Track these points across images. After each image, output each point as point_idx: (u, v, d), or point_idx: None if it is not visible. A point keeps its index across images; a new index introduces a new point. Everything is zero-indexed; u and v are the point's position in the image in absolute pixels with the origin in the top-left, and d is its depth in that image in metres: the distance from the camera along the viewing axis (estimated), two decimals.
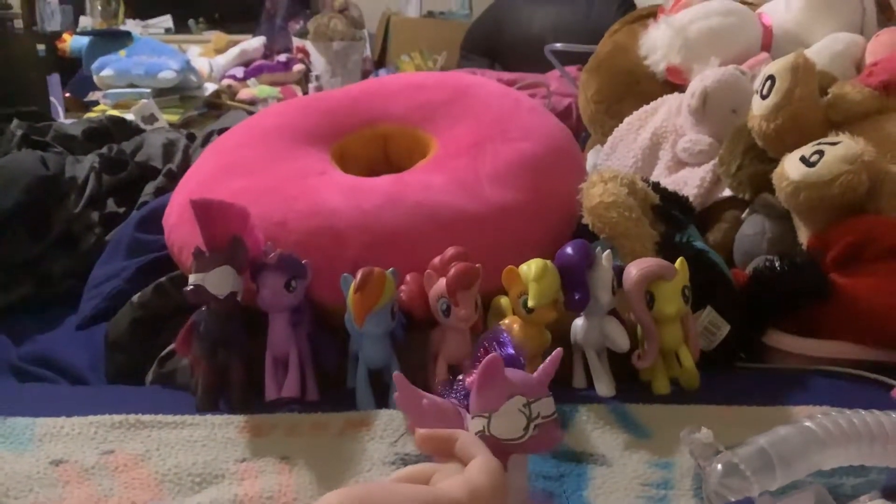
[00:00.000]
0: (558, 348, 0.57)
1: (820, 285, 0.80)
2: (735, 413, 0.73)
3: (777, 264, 0.83)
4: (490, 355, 0.52)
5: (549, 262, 0.74)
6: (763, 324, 0.84)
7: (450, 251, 0.75)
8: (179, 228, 0.87)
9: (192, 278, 0.74)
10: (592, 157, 1.27)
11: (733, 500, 0.45)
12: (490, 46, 2.83)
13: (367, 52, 3.10)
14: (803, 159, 0.82)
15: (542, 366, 0.55)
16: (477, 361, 0.56)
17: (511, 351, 0.57)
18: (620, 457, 0.67)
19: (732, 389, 0.77)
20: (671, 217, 0.90)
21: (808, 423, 0.47)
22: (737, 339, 0.82)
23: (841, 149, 0.81)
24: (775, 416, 0.73)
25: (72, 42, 2.98)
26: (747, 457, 0.46)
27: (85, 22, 3.45)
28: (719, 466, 0.46)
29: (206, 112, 2.42)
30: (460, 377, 0.59)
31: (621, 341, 0.75)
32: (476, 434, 0.52)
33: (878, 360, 0.79)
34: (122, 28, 3.24)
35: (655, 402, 0.74)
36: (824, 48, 1.11)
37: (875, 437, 0.46)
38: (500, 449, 0.51)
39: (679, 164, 1.12)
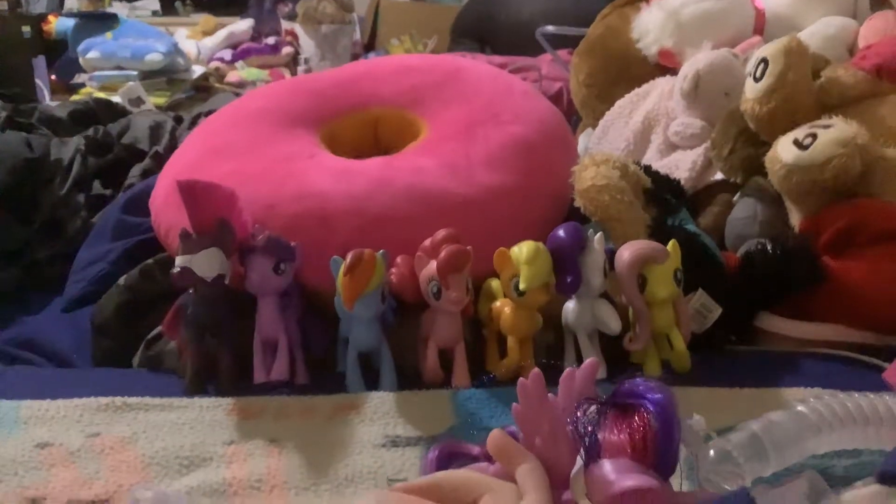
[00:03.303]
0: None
1: (812, 269, 0.80)
2: (726, 395, 0.73)
3: (769, 248, 0.83)
4: (650, 487, 0.40)
5: (541, 244, 0.74)
6: (755, 307, 0.84)
7: (440, 233, 0.75)
8: (166, 210, 0.86)
9: (178, 260, 0.73)
10: (584, 141, 1.26)
11: (727, 486, 0.45)
12: (480, 30, 2.81)
13: (357, 36, 3.08)
14: (796, 142, 0.82)
15: (688, 496, 0.44)
16: (624, 414, 0.44)
17: (663, 424, 0.42)
18: None
19: (724, 372, 0.77)
20: (663, 200, 0.89)
21: (800, 408, 0.47)
22: (728, 322, 0.82)
23: (834, 132, 0.80)
24: (767, 398, 0.72)
25: (57, 24, 2.94)
26: (740, 443, 0.46)
27: (70, 4, 3.40)
28: (711, 453, 0.46)
29: (193, 95, 2.39)
30: (594, 412, 0.45)
31: (613, 324, 0.75)
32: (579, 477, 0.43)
33: (870, 343, 0.79)
34: (109, 10, 3.21)
35: None
36: (817, 31, 1.11)
37: (869, 420, 0.46)
38: None
39: (671, 147, 1.11)
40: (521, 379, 0.45)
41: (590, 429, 0.41)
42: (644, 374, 0.77)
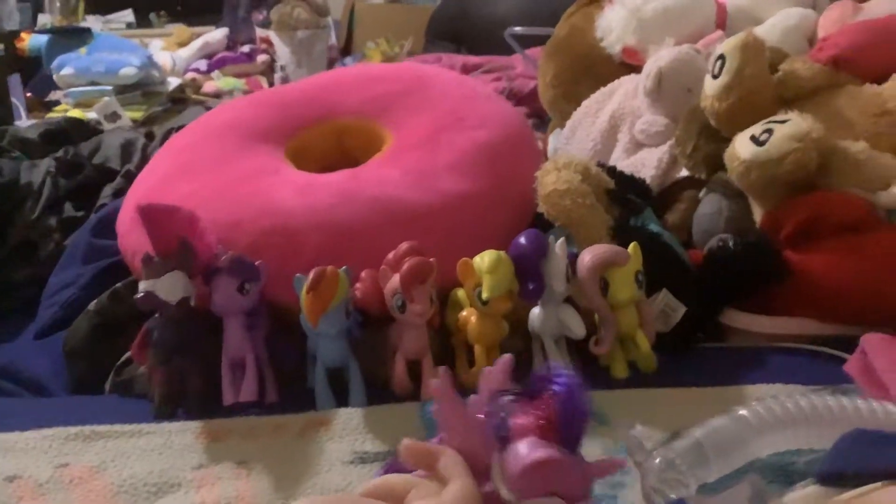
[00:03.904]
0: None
1: (773, 263, 0.81)
2: (692, 394, 0.74)
3: (730, 244, 0.83)
4: (547, 454, 0.42)
5: (502, 252, 0.74)
6: (719, 303, 0.85)
7: (403, 246, 0.75)
8: (131, 234, 0.86)
9: (142, 285, 0.73)
10: (553, 141, 1.27)
11: (672, 495, 0.45)
12: (455, 31, 2.81)
13: (333, 40, 3.07)
14: (753, 138, 0.83)
15: (597, 465, 0.47)
16: (532, 400, 0.46)
17: (571, 405, 0.45)
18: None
19: (691, 370, 0.78)
20: (626, 201, 0.90)
21: (742, 412, 0.48)
22: (694, 320, 0.83)
23: (790, 126, 0.81)
24: (732, 395, 0.73)
25: (30, 41, 2.93)
26: (682, 451, 0.46)
27: (44, 19, 3.39)
28: (657, 462, 0.46)
29: (170, 107, 2.39)
30: (505, 404, 0.47)
31: (577, 329, 0.75)
32: (493, 493, 0.45)
33: (834, 335, 0.80)
34: (83, 24, 3.19)
35: (614, 388, 0.75)
36: (777, 23, 1.11)
37: (810, 420, 0.46)
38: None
39: (637, 145, 1.12)
40: (433, 381, 0.46)
41: (501, 415, 0.44)
42: (611, 375, 0.78)
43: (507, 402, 0.45)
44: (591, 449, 0.65)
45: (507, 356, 0.50)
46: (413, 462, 0.45)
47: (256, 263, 0.76)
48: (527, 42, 1.67)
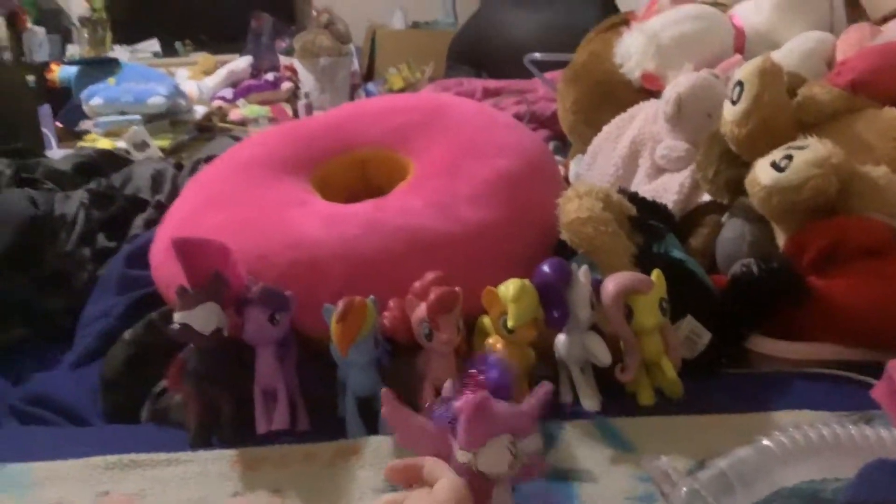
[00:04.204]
0: (545, 382, 0.59)
1: (796, 288, 0.82)
2: (719, 421, 0.74)
3: (753, 269, 0.84)
4: (479, 396, 0.52)
5: (526, 281, 0.76)
6: (745, 329, 0.85)
7: (429, 276, 0.77)
8: (164, 266, 0.88)
9: (176, 317, 0.75)
10: (575, 167, 1.29)
11: None
12: (475, 55, 2.84)
13: (355, 67, 3.12)
14: (773, 164, 0.84)
15: (531, 400, 0.55)
16: (465, 387, 0.57)
17: (497, 375, 0.58)
18: (606, 472, 0.68)
19: (716, 397, 0.79)
20: (649, 227, 0.91)
21: (766, 442, 0.48)
22: (719, 346, 0.83)
23: (809, 153, 0.82)
24: (759, 422, 0.74)
25: (60, 72, 3.00)
26: (707, 481, 0.47)
27: (72, 51, 3.47)
28: (683, 492, 0.47)
29: (197, 136, 2.43)
30: (448, 397, 0.59)
31: (603, 356, 0.76)
32: (461, 464, 0.53)
33: (859, 360, 0.80)
34: (110, 55, 3.27)
35: (640, 415, 0.76)
36: (795, 48, 1.12)
37: (834, 450, 0.47)
38: (484, 481, 0.53)
39: (658, 170, 1.13)
40: (383, 390, 0.55)
41: (447, 404, 0.54)
42: (638, 402, 0.79)
43: (450, 394, 0.55)
44: (617, 477, 0.67)
45: (547, 385, 0.57)
46: (401, 480, 0.50)
47: (286, 294, 0.78)
48: (546, 66, 1.69)
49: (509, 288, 0.75)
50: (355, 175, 1.02)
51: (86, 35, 3.45)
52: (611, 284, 0.76)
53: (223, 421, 0.76)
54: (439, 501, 0.47)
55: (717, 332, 0.82)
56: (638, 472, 0.67)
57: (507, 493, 0.58)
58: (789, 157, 0.83)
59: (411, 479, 0.49)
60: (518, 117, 1.87)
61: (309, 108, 2.74)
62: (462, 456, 0.53)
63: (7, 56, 3.31)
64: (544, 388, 0.57)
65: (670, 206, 1.06)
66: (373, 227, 0.86)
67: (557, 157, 1.56)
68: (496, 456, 0.52)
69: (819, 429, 0.47)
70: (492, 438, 0.52)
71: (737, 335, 0.85)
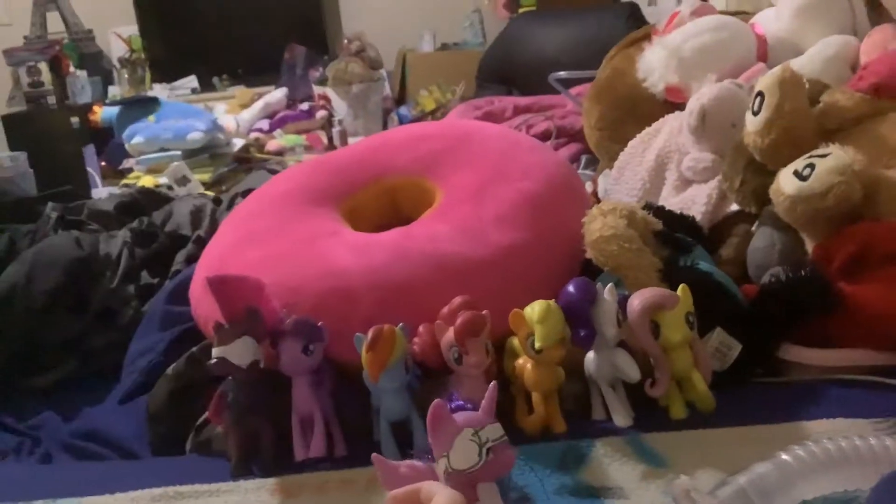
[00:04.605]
0: (493, 382, 0.64)
1: (825, 295, 0.81)
2: (752, 433, 0.74)
3: (782, 277, 0.84)
4: (434, 402, 0.59)
5: (551, 302, 0.77)
6: (776, 338, 0.85)
7: (457, 300, 0.78)
8: (203, 302, 0.91)
9: (214, 351, 0.78)
10: (603, 182, 1.29)
11: None
12: (505, 73, 2.86)
13: (387, 91, 3.17)
14: (796, 173, 0.84)
15: (484, 401, 0.61)
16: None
17: (459, 402, 0.64)
18: (637, 488, 0.68)
19: (749, 408, 0.78)
20: (675, 241, 0.92)
21: (784, 457, 0.49)
22: (750, 356, 0.83)
23: (831, 160, 0.82)
24: (793, 432, 0.73)
25: (102, 113, 3.10)
26: (727, 498, 0.48)
27: (114, 91, 3.58)
28: None
29: (236, 167, 2.49)
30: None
31: (632, 372, 0.77)
32: (443, 473, 0.58)
33: (893, 364, 0.80)
34: (150, 93, 3.36)
35: (671, 430, 0.76)
36: (817, 54, 1.12)
37: (853, 462, 0.47)
38: (466, 481, 0.57)
39: (685, 182, 1.13)
40: (373, 455, 0.61)
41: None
42: (671, 416, 0.79)
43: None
44: (648, 493, 0.67)
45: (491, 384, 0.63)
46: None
47: (319, 325, 0.80)
48: (574, 81, 1.70)
49: (535, 309, 0.76)
50: (384, 204, 1.04)
51: (126, 76, 3.56)
52: (636, 302, 0.77)
53: (263, 450, 0.79)
54: None
55: (747, 342, 0.82)
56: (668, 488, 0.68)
57: (492, 491, 0.60)
58: (811, 166, 0.83)
59: (411, 502, 0.54)
60: (549, 134, 1.89)
61: (343, 135, 2.79)
62: (440, 465, 0.58)
63: (51, 100, 3.44)
64: (491, 388, 0.62)
65: (699, 217, 1.06)
66: (401, 254, 0.88)
67: (588, 172, 1.56)
68: (464, 450, 0.57)
69: (838, 441, 0.47)
70: (456, 437, 0.58)
71: (768, 345, 0.85)
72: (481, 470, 0.58)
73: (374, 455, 0.60)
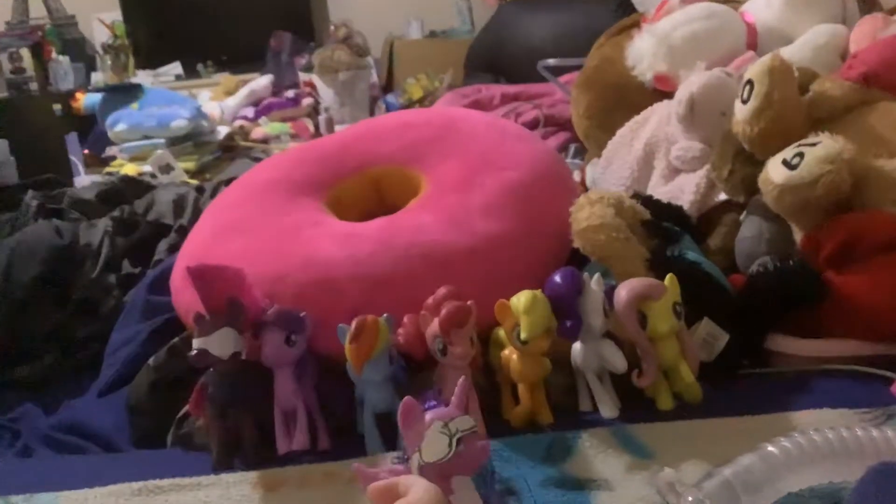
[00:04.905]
0: (463, 376, 0.64)
1: (813, 286, 0.81)
2: (739, 424, 0.74)
3: (770, 267, 0.83)
4: (404, 400, 0.59)
5: (538, 292, 0.76)
6: (763, 328, 0.85)
7: (441, 291, 0.77)
8: (184, 293, 0.90)
9: (195, 343, 0.76)
10: (591, 171, 1.28)
11: None
12: (493, 61, 2.85)
13: (374, 79, 3.14)
14: (785, 162, 0.83)
15: (454, 395, 0.61)
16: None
17: (433, 402, 0.63)
18: (623, 480, 0.68)
19: (737, 398, 0.78)
20: (663, 230, 0.91)
21: (770, 448, 0.48)
22: (738, 347, 0.83)
23: (820, 149, 0.81)
24: (780, 423, 0.73)
25: (85, 100, 3.05)
26: (713, 491, 0.47)
27: (97, 78, 3.53)
28: (688, 502, 0.47)
29: (220, 155, 2.46)
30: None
31: (618, 363, 0.76)
32: (417, 469, 0.58)
33: (880, 354, 0.79)
34: (134, 80, 3.32)
35: (658, 421, 0.75)
36: (807, 42, 1.11)
37: (839, 454, 0.47)
38: (440, 473, 0.57)
39: (674, 171, 1.12)
40: (354, 465, 0.60)
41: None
42: (658, 407, 0.78)
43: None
44: (634, 484, 0.66)
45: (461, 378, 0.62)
46: (383, 501, 0.54)
47: (301, 315, 0.79)
48: (563, 69, 1.69)
49: (521, 300, 0.75)
50: (369, 193, 1.03)
51: (109, 62, 3.51)
52: (623, 292, 0.76)
53: (245, 443, 0.78)
54: (410, 501, 0.52)
55: (735, 332, 0.82)
56: None
57: (467, 485, 0.60)
58: (801, 155, 0.82)
59: (392, 498, 0.54)
60: (537, 122, 1.88)
61: (329, 123, 2.76)
62: (414, 461, 0.59)
63: (33, 86, 3.39)
64: (463, 380, 0.62)
65: (687, 206, 1.05)
66: (386, 244, 0.86)
67: (577, 161, 1.55)
68: (435, 442, 0.58)
69: (825, 433, 0.47)
70: (427, 430, 0.58)
71: (755, 335, 0.84)
72: (453, 461, 0.58)
73: (354, 465, 0.60)
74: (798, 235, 0.90)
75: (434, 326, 0.75)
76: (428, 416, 0.59)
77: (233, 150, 2.54)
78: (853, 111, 0.92)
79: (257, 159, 2.03)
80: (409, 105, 3.00)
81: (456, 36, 3.61)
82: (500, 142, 0.99)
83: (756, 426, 0.72)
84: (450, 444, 0.57)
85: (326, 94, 2.93)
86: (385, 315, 0.76)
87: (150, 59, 3.66)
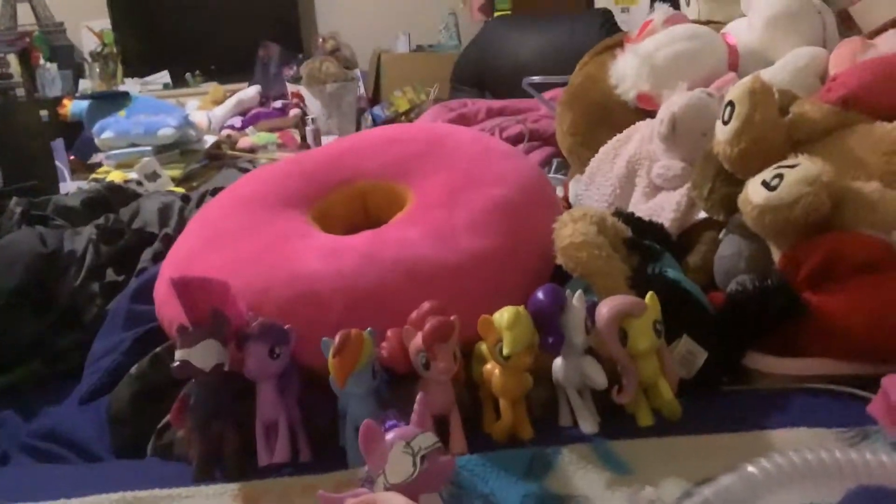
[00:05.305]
0: (420, 394, 0.66)
1: (791, 305, 0.82)
2: (717, 441, 0.75)
3: (749, 286, 0.85)
4: (363, 422, 0.59)
5: (521, 308, 0.76)
6: (742, 346, 0.86)
7: (425, 305, 0.78)
8: (167, 304, 0.90)
9: (177, 354, 0.76)
10: (574, 188, 1.29)
11: None
12: (479, 76, 2.87)
13: (361, 91, 3.15)
14: (764, 183, 0.84)
15: (414, 412, 0.62)
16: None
17: (393, 421, 0.65)
18: (602, 496, 0.68)
19: (715, 416, 0.79)
20: (644, 248, 0.92)
21: (750, 469, 0.49)
22: (716, 364, 0.84)
23: (800, 171, 0.82)
24: (756, 442, 0.74)
25: (72, 106, 3.05)
26: None
27: (84, 85, 3.53)
28: None
29: (207, 164, 2.46)
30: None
31: (599, 379, 0.77)
32: (383, 489, 0.59)
33: (856, 374, 0.80)
34: (122, 88, 3.32)
35: (637, 437, 0.76)
36: (787, 64, 1.13)
37: (819, 476, 0.47)
38: (407, 493, 0.57)
39: (655, 189, 1.14)
40: (319, 492, 0.61)
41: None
42: (638, 424, 0.79)
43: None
44: (614, 500, 0.67)
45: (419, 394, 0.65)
46: None
47: (285, 328, 0.80)
48: (547, 85, 1.71)
49: (504, 316, 0.76)
50: (355, 207, 1.03)
51: (97, 70, 3.50)
52: (604, 309, 0.77)
53: (226, 455, 0.78)
54: None
55: (713, 350, 0.83)
56: (634, 494, 0.68)
57: (435, 500, 0.61)
58: (780, 176, 0.83)
59: None
60: (521, 137, 1.89)
61: (316, 134, 2.77)
62: (378, 484, 0.59)
63: (20, 92, 3.38)
64: (421, 396, 0.64)
65: (667, 224, 1.06)
66: (371, 259, 0.87)
67: (559, 176, 1.57)
68: (398, 463, 0.58)
69: (805, 454, 0.48)
70: (389, 451, 0.58)
71: (734, 353, 0.85)
72: (419, 480, 0.58)
73: (319, 493, 0.60)
74: (776, 255, 0.91)
75: (417, 341, 0.76)
76: (389, 436, 0.60)
77: (220, 158, 2.54)
78: (832, 133, 0.93)
79: (244, 170, 2.03)
80: (396, 118, 3.01)
81: (442, 50, 3.63)
82: (486, 158, 1.00)
83: (734, 443, 0.73)
84: (414, 464, 0.57)
85: (314, 106, 2.94)
86: (369, 329, 0.76)
87: (138, 67, 3.67)
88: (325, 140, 2.73)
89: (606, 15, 2.79)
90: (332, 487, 0.73)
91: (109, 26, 3.72)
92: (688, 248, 1.06)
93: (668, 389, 0.78)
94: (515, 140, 1.87)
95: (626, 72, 1.23)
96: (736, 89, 0.93)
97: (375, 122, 2.96)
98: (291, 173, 1.05)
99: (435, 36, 3.77)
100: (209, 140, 2.63)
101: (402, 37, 3.62)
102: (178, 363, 0.76)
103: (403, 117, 2.99)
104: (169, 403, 0.86)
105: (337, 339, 0.74)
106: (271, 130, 2.83)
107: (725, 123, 0.93)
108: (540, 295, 0.78)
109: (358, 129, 2.97)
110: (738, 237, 0.97)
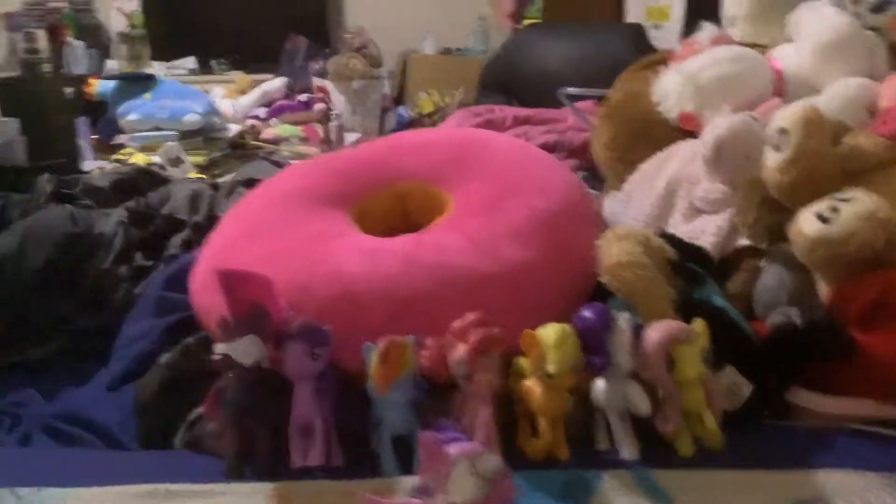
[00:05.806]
0: (486, 412, 0.66)
1: (840, 344, 0.81)
2: (759, 478, 0.73)
3: (798, 321, 0.83)
4: (423, 435, 0.58)
5: (567, 326, 0.75)
6: (786, 381, 0.84)
7: (470, 317, 0.76)
8: (203, 293, 0.89)
9: (218, 347, 0.75)
10: (609, 205, 1.28)
11: None
12: (506, 82, 2.85)
13: (386, 90, 3.15)
14: (819, 216, 0.83)
15: (479, 431, 0.62)
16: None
17: (451, 432, 0.64)
18: None
19: (757, 450, 0.77)
20: (689, 271, 0.91)
21: None
22: (760, 398, 0.82)
23: (856, 205, 0.81)
24: (801, 482, 0.73)
25: (98, 86, 3.04)
26: None
27: (111, 65, 3.52)
28: None
29: (230, 153, 2.46)
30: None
31: (643, 406, 0.75)
32: None
33: None
34: (147, 70, 3.31)
35: (679, 467, 0.75)
36: (836, 94, 1.12)
37: None
38: None
39: (695, 211, 1.13)
40: (367, 496, 0.60)
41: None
42: (679, 453, 0.78)
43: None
44: None
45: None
46: None
47: (326, 329, 0.79)
48: (578, 98, 1.70)
49: (550, 333, 0.74)
50: (395, 208, 1.03)
51: (124, 50, 3.50)
52: (655, 333, 0.75)
53: (258, 453, 0.77)
54: None
55: (757, 383, 0.82)
56: None
57: None
58: (835, 210, 0.82)
59: None
60: (548, 147, 1.88)
61: (340, 130, 2.76)
62: (439, 500, 0.58)
63: (47, 68, 3.37)
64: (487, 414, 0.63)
65: (708, 248, 1.05)
66: (413, 264, 0.86)
67: (588, 191, 1.56)
68: (463, 483, 0.57)
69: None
70: (453, 467, 0.57)
71: (779, 387, 0.84)
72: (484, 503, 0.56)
73: (367, 496, 0.60)
74: (822, 288, 0.90)
75: (460, 352, 0.75)
76: (452, 451, 0.58)
77: (242, 148, 2.54)
78: (886, 168, 0.92)
79: (275, 162, 2.02)
80: (419, 119, 3.01)
81: (470, 54, 3.62)
82: (530, 167, 0.99)
83: (777, 482, 0.72)
84: (479, 486, 0.56)
85: (339, 101, 2.93)
86: (411, 336, 0.75)
87: (165, 51, 3.66)
88: (348, 136, 2.72)
89: (638, 30, 2.77)
90: (367, 494, 0.72)
91: (139, 8, 3.72)
92: (726, 274, 1.05)
93: (712, 420, 0.76)
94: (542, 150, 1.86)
95: (670, 90, 1.22)
96: (789, 116, 0.92)
97: (399, 123, 2.95)
98: (331, 172, 1.05)
99: (462, 39, 3.77)
100: (233, 129, 2.62)
101: (430, 39, 3.62)
102: (218, 356, 0.75)
103: (427, 119, 2.98)
104: (197, 395, 0.85)
105: (382, 346, 0.73)
106: (295, 123, 2.83)
107: (777, 151, 0.92)
108: (588, 313, 0.76)
109: (381, 127, 2.97)
110: (781, 268, 0.96)
